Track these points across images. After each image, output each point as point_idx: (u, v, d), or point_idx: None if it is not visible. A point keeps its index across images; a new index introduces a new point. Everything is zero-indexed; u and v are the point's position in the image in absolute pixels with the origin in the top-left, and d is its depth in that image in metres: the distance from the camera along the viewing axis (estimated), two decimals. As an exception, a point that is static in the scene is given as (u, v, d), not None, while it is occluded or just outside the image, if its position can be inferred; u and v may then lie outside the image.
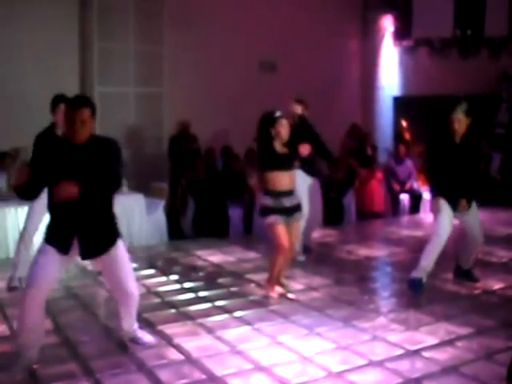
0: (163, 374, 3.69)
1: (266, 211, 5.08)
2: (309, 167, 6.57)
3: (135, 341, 4.10)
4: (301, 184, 6.51)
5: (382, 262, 6.83)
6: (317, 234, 7.34)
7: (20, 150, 8.07)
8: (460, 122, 5.21)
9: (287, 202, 5.08)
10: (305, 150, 5.44)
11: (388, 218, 9.56)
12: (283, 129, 5.12)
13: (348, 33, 12.23)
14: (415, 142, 10.46)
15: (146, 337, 4.17)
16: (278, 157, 5.09)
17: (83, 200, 3.52)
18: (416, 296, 5.28)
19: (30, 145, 5.22)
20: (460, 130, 5.23)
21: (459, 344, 4.17)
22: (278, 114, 5.19)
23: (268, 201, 5.07)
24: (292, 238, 5.18)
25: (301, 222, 5.41)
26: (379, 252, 7.24)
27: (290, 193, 5.11)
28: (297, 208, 5.17)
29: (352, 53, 12.43)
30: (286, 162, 5.11)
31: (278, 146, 5.14)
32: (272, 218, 5.04)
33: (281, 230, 5.05)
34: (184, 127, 9.54)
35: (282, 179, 5.07)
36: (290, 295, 5.28)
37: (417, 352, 4.03)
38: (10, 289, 5.53)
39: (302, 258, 6.48)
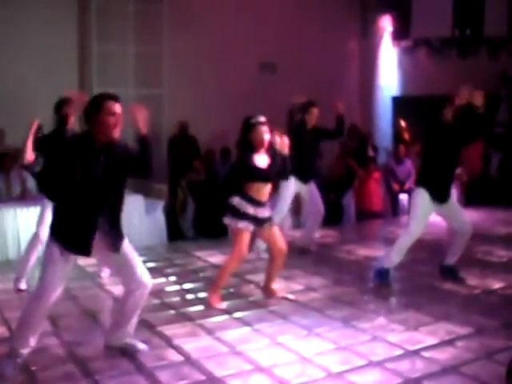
0: (163, 375, 3.68)
1: (242, 216, 4.89)
2: (305, 171, 6.60)
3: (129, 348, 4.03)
4: (287, 191, 6.56)
5: (381, 262, 6.81)
6: (316, 234, 7.32)
7: (20, 151, 8.03)
8: None
9: (261, 213, 4.94)
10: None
11: (387, 218, 9.56)
12: (259, 136, 4.84)
13: (347, 33, 12.24)
14: (414, 141, 10.47)
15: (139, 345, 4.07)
16: (255, 170, 4.89)
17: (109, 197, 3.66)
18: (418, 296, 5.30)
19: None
20: None
21: (459, 344, 4.16)
22: (257, 119, 4.87)
23: (247, 207, 4.89)
24: (278, 242, 5.09)
25: (274, 226, 5.19)
26: (378, 252, 7.20)
27: (265, 204, 5.00)
28: (268, 219, 5.04)
29: (351, 53, 12.45)
30: (263, 176, 4.92)
31: (259, 155, 4.92)
32: (242, 224, 4.90)
33: (246, 238, 4.95)
34: (182, 128, 9.54)
35: (261, 189, 4.94)
36: (290, 296, 5.28)
37: (417, 352, 4.02)
38: (18, 291, 5.47)
39: (264, 255, 6.32)
